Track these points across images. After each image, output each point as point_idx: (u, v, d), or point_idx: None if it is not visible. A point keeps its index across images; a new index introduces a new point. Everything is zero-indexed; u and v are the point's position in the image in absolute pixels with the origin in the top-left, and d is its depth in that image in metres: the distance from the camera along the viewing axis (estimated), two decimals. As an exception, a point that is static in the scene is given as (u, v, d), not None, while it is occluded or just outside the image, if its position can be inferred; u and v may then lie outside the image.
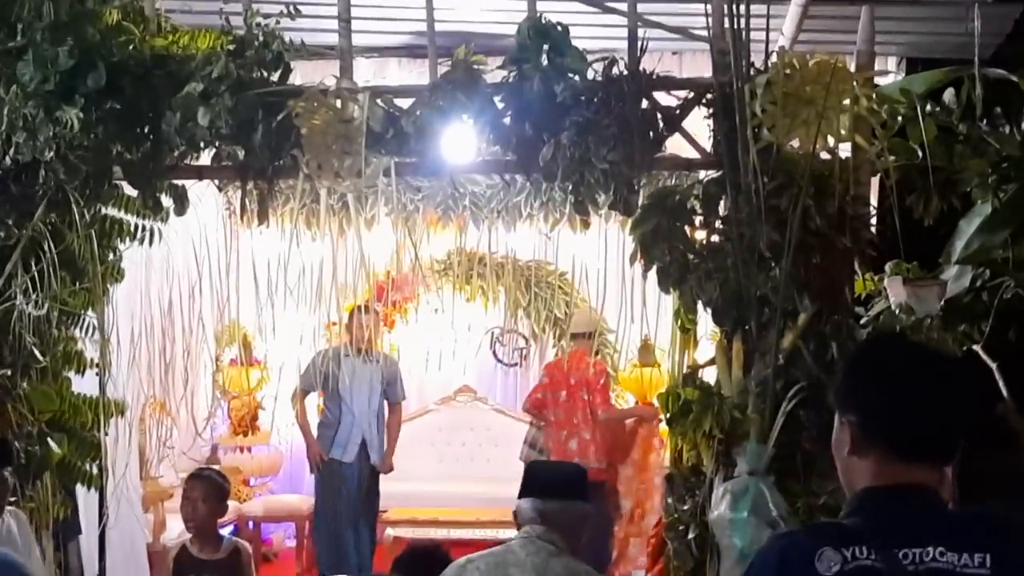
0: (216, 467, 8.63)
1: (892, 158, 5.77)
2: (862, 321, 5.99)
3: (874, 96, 5.67)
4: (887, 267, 6.23)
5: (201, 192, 6.70)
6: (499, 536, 9.67)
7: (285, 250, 9.90)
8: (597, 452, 9.52)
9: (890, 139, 5.82)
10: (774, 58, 5.65)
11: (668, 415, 5.79)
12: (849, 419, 2.53)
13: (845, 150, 5.69)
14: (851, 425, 2.52)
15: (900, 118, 6.05)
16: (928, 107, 6.15)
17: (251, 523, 10.79)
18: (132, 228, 6.41)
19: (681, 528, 5.78)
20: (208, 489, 6.28)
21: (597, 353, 10.18)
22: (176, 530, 9.28)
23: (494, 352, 11.76)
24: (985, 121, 6.16)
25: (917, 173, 6.00)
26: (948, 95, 6.25)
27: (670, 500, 5.93)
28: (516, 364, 11.80)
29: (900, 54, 8.26)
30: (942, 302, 5.86)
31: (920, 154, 5.97)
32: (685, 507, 5.79)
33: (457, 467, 11.36)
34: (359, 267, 7.88)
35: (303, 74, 6.23)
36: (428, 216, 10.17)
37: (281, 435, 11.57)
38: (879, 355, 2.60)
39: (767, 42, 5.76)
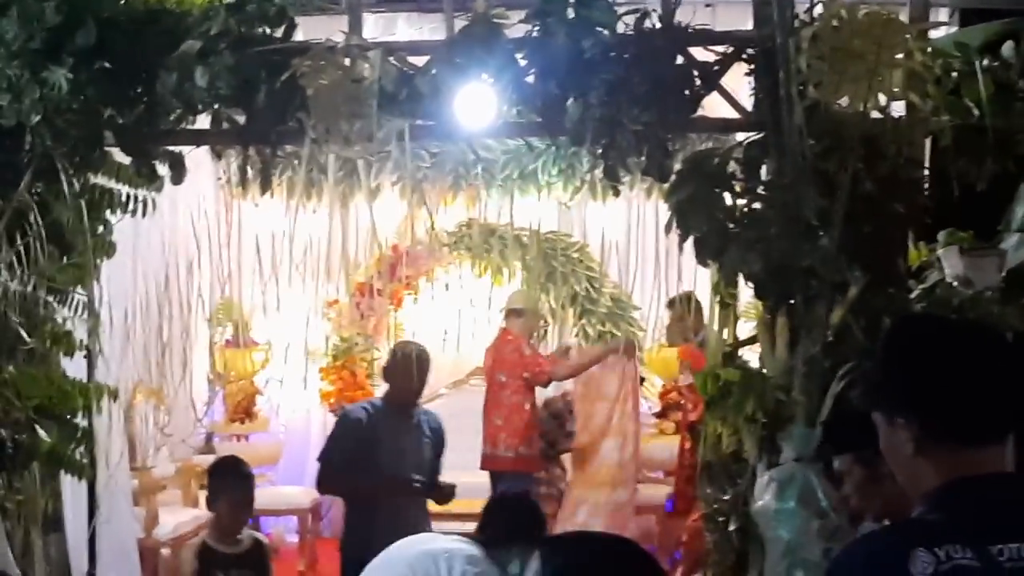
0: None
1: (945, 117, 5.72)
2: (914, 294, 5.94)
3: (929, 50, 5.63)
4: (940, 236, 6.18)
5: (193, 161, 6.63)
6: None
7: (283, 222, 9.90)
8: (509, 439, 9.58)
9: (944, 97, 5.76)
10: (819, 9, 5.60)
11: (707, 398, 5.76)
12: (906, 420, 2.48)
13: (895, 109, 5.64)
14: (910, 426, 2.47)
15: (955, 74, 5.98)
16: (985, 62, 6.08)
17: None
18: (123, 198, 6.36)
19: (721, 520, 5.76)
20: (247, 482, 6.36)
21: (534, 335, 10.32)
22: (170, 524, 9.30)
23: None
24: (1049, 77, 6.09)
25: (969, 134, 5.94)
26: (1007, 49, 6.18)
27: (708, 489, 5.91)
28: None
29: (953, 5, 8.18)
30: (1003, 273, 5.82)
31: (976, 113, 5.90)
32: (725, 497, 5.77)
33: (471, 456, 11.25)
34: (369, 239, 7.79)
35: (306, 31, 6.18)
36: (438, 185, 10.15)
37: (281, 422, 11.57)
38: (921, 343, 2.54)
39: (812, -8, 5.71)
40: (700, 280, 8.39)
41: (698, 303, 8.99)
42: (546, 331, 11.43)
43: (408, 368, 7.35)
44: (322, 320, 11.16)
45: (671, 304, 9.77)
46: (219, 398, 11.16)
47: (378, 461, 7.22)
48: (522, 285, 11.09)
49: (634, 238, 10.77)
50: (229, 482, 6.37)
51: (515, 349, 9.74)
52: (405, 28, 8.68)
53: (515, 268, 11.26)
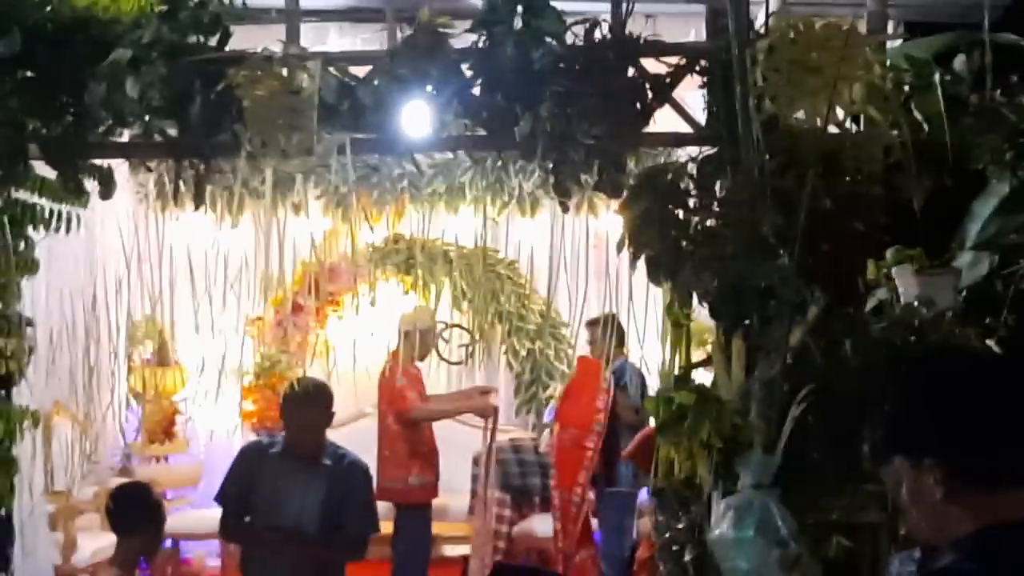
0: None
1: (894, 132, 5.61)
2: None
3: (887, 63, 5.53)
4: (888, 254, 6.07)
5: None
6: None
7: (206, 237, 9.68)
8: (395, 469, 9.40)
9: (900, 111, 5.65)
10: (774, 20, 5.48)
11: (660, 422, 5.58)
12: (934, 462, 2.33)
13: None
14: (939, 468, 2.33)
15: (907, 88, 5.88)
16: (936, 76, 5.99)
17: (169, 541, 10.48)
18: (47, 214, 6.10)
19: (675, 549, 5.58)
20: (156, 513, 6.02)
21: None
22: (88, 550, 9.07)
23: (437, 350, 11.48)
24: (1000, 92, 5.99)
25: (917, 149, 5.82)
26: (959, 62, 6.09)
27: (661, 518, 5.74)
28: (461, 363, 11.56)
29: (898, 18, 8.13)
30: (963, 293, 5.73)
31: (927, 127, 5.79)
32: (679, 525, 5.59)
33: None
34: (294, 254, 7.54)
35: (241, 40, 5.97)
36: (363, 199, 9.96)
37: (200, 443, 11.31)
38: (948, 380, 2.41)
39: (767, 3, 5.60)
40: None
41: (619, 326, 8.84)
42: (474, 349, 11.29)
43: (293, 413, 6.72)
44: (245, 338, 10.90)
45: (591, 324, 9.59)
46: (136, 419, 10.89)
47: (265, 509, 6.61)
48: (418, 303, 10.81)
49: (564, 254, 10.61)
50: (137, 516, 5.97)
51: (391, 377, 9.47)
52: (337, 39, 8.46)
53: (442, 284, 11.07)
